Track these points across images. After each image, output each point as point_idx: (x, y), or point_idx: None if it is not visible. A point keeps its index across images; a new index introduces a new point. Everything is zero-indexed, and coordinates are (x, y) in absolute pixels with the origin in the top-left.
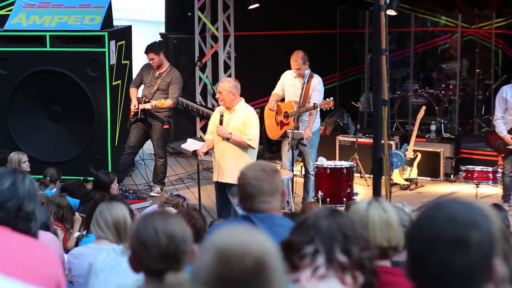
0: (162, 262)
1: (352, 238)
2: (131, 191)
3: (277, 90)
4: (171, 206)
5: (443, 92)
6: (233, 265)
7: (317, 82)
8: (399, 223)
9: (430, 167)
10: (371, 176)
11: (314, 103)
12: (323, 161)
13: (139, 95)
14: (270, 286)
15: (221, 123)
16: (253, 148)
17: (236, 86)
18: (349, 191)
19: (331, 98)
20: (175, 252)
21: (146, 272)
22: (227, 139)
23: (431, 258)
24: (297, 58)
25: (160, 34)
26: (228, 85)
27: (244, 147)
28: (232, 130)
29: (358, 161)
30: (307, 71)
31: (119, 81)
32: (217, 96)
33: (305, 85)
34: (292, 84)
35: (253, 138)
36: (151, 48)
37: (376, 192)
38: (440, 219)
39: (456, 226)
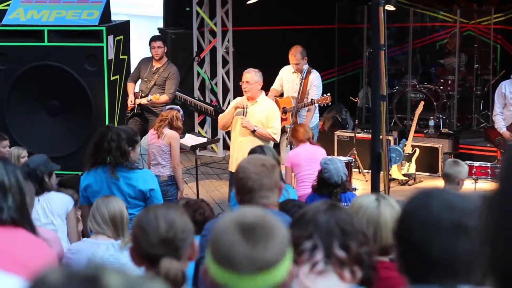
0: (160, 247)
1: (351, 233)
2: None
3: (275, 86)
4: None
5: (441, 87)
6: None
7: (315, 77)
8: None
9: (428, 163)
10: (369, 171)
11: (312, 99)
12: None
13: (136, 89)
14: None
15: (244, 115)
16: (276, 142)
17: (261, 77)
18: None
19: (328, 94)
20: (173, 239)
21: (145, 260)
22: (253, 131)
23: (434, 246)
24: (295, 53)
25: (159, 29)
26: (255, 75)
27: (267, 140)
28: (254, 123)
29: (357, 156)
30: (305, 66)
31: (117, 76)
32: (243, 86)
33: (303, 81)
34: (291, 80)
35: (277, 132)
36: (160, 37)
37: (375, 187)
38: (435, 206)
39: (454, 213)
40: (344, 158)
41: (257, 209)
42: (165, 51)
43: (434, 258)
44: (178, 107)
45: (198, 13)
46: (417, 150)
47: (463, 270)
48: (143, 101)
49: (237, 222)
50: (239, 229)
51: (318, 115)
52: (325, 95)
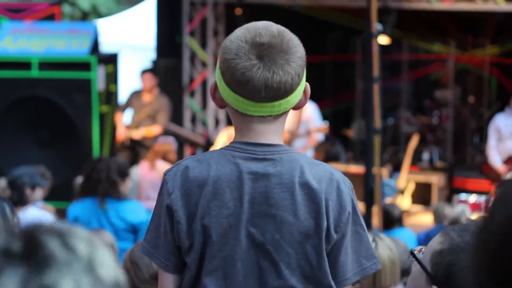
0: (152, 282)
1: None
2: None
3: None
4: None
5: (436, 120)
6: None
7: (311, 109)
8: (399, 259)
9: (422, 196)
10: (363, 204)
11: (307, 130)
12: None
13: (127, 121)
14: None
15: None
16: None
17: None
18: None
19: (326, 123)
20: None
21: None
22: None
23: None
24: None
25: (153, 61)
26: None
27: None
28: None
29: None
30: None
31: (107, 107)
32: None
33: (298, 113)
34: None
35: None
36: (151, 69)
37: (368, 221)
38: None
39: None
40: None
41: (270, 24)
42: (156, 82)
43: None
44: (171, 138)
45: (189, 44)
46: (411, 184)
47: None
48: (135, 134)
49: (252, 43)
50: (255, 53)
51: (313, 150)
52: (322, 124)
